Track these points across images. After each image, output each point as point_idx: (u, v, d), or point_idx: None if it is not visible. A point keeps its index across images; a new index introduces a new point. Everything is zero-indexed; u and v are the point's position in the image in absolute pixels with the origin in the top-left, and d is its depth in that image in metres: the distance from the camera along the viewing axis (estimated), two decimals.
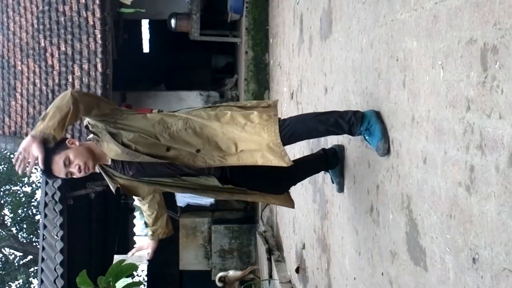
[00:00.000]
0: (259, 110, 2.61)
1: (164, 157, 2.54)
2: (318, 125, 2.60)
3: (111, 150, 2.53)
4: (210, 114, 2.59)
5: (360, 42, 2.85)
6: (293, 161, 2.60)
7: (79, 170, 2.50)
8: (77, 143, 2.54)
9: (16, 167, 2.35)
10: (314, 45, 4.22)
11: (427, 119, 1.99)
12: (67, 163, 2.48)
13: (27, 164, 2.34)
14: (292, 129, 2.59)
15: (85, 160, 2.50)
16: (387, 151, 2.41)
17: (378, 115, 2.51)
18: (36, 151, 2.31)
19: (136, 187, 2.69)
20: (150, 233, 3.05)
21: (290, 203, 3.00)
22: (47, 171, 2.47)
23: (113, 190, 2.70)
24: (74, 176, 2.55)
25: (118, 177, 2.66)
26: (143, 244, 3.11)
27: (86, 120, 2.59)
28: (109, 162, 2.62)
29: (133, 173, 2.62)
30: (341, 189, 3.22)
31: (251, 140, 2.53)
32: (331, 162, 3.16)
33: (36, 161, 2.35)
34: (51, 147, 2.42)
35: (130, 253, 3.10)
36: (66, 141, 2.53)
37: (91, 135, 2.59)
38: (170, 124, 2.56)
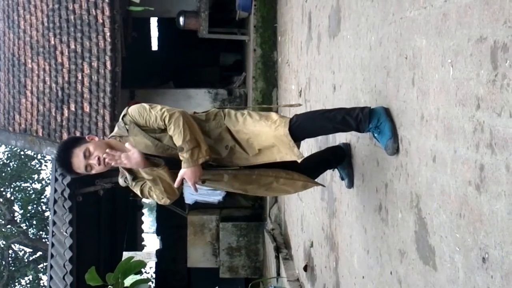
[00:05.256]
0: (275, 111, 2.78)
1: None
2: (326, 123, 2.64)
3: (139, 143, 2.62)
4: (240, 119, 2.74)
5: (368, 40, 2.84)
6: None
7: (99, 162, 2.57)
8: (96, 138, 2.65)
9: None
10: (322, 43, 4.21)
11: (436, 118, 1.98)
12: (87, 154, 2.57)
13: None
14: (300, 127, 2.64)
15: (105, 152, 2.58)
16: (396, 150, 2.40)
17: (387, 112, 2.50)
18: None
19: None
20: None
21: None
22: (67, 164, 2.58)
23: (128, 183, 2.78)
24: (93, 171, 2.63)
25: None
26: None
27: (127, 113, 2.65)
28: None
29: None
30: (350, 183, 3.17)
31: (263, 133, 2.65)
32: (336, 161, 3.21)
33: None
34: (71, 142, 2.62)
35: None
36: (86, 137, 2.66)
37: (115, 132, 2.69)
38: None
